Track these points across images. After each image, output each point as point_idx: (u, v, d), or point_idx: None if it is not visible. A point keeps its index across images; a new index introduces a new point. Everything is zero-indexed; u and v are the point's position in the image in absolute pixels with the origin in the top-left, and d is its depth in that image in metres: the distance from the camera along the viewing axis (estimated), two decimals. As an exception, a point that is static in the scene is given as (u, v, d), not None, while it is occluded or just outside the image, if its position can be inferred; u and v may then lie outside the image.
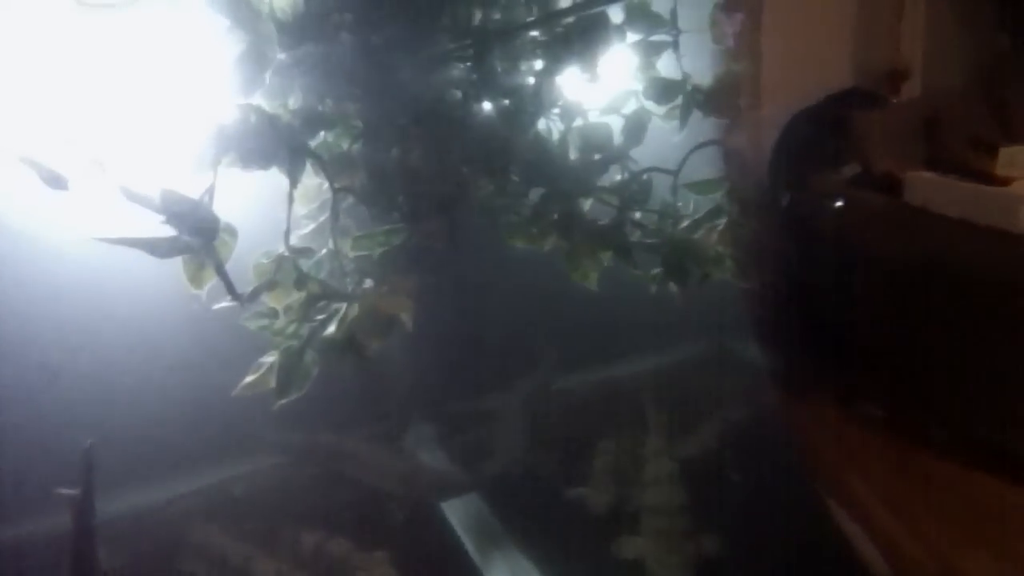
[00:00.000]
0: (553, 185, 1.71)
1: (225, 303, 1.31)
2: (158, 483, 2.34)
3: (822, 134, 1.53)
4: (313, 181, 1.57)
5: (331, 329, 1.39)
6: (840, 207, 1.46)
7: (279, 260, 1.37)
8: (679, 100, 1.75)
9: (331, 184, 1.42)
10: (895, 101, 1.53)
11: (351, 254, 1.48)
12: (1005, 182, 1.20)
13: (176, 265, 1.28)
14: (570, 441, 2.61)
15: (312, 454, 2.47)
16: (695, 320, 2.71)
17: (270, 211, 1.42)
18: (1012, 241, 1.14)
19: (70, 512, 1.37)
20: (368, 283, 1.49)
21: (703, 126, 1.70)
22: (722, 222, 1.72)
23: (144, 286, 1.85)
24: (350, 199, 1.54)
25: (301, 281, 1.36)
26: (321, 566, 2.08)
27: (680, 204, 1.75)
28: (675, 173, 1.70)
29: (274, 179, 1.40)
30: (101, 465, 1.44)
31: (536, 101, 1.65)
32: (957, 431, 1.23)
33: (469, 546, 2.16)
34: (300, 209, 1.58)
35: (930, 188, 1.29)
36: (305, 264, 1.41)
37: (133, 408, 2.09)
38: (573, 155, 1.74)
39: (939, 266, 1.25)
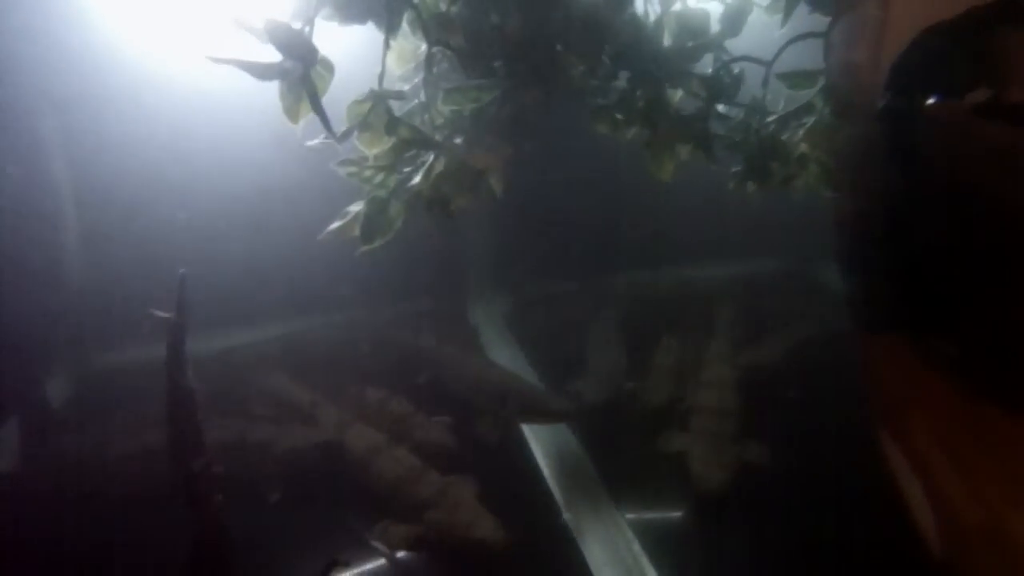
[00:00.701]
0: (642, 70, 1.66)
1: (319, 140, 1.33)
2: (234, 330, 2.47)
3: (956, 52, 1.41)
4: (410, 43, 1.57)
5: (417, 180, 1.40)
6: (958, 136, 1.37)
7: (373, 98, 1.37)
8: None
9: (427, 38, 1.41)
10: None
11: (443, 108, 1.47)
12: None
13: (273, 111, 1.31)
14: (636, 336, 2.63)
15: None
16: (777, 232, 2.66)
17: (368, 70, 1.44)
18: None
19: (165, 333, 1.45)
20: (458, 140, 1.49)
21: (809, 22, 1.61)
22: (811, 120, 1.64)
23: (240, 133, 1.91)
24: (446, 63, 1.54)
25: (392, 125, 1.37)
26: (383, 421, 2.18)
27: (770, 99, 1.68)
28: (768, 64, 1.63)
29: (373, 39, 1.40)
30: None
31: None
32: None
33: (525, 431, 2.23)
34: (395, 69, 1.59)
35: None
36: (398, 111, 1.42)
37: (212, 253, 2.17)
38: (667, 41, 1.68)
39: None
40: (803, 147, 1.67)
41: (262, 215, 2.23)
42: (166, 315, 1.41)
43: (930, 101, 1.42)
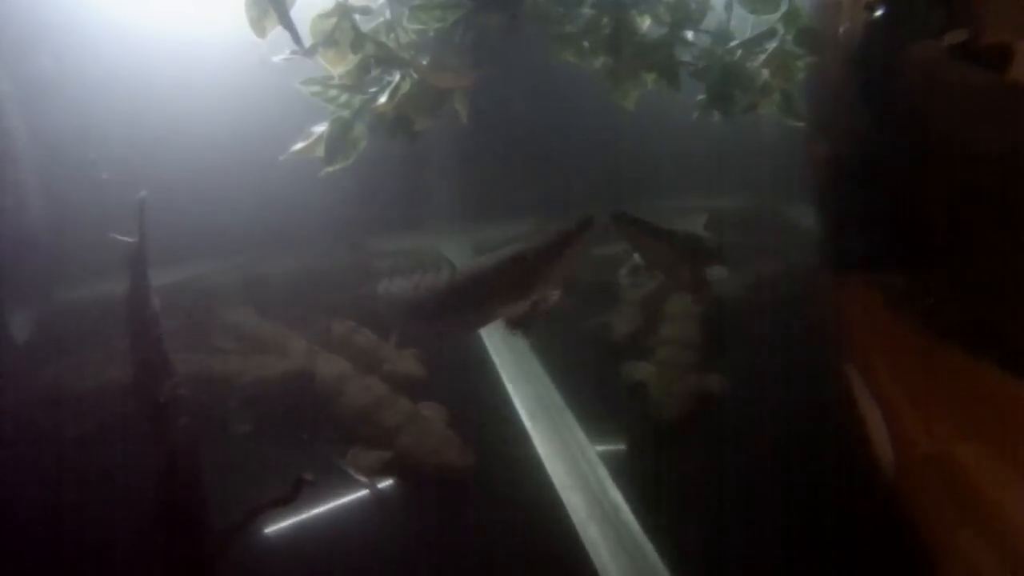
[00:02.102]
0: (606, -2, 1.65)
1: (284, 55, 1.31)
2: (196, 261, 2.43)
3: None
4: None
5: (383, 100, 1.39)
6: (934, 77, 1.35)
7: (338, 12, 1.35)
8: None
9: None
10: None
11: (408, 26, 1.45)
12: None
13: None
14: (601, 272, 2.64)
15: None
16: (744, 168, 2.67)
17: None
18: None
19: (126, 257, 1.43)
20: (423, 61, 1.48)
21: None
22: (772, 46, 1.65)
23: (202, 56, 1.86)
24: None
25: (358, 41, 1.36)
26: (350, 353, 2.18)
27: (738, 25, 1.68)
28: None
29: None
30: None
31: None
32: (991, 331, 1.20)
33: (492, 355, 2.26)
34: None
35: None
36: (363, 27, 1.40)
37: (174, 182, 2.14)
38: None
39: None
40: (765, 74, 1.68)
41: (224, 143, 2.19)
42: (127, 239, 1.39)
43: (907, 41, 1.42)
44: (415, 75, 1.43)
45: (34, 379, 2.05)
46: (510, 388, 2.11)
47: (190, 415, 1.41)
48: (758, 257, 2.71)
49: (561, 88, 2.26)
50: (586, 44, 1.75)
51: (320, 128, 1.43)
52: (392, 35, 1.45)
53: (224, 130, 2.15)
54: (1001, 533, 1.00)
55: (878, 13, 1.46)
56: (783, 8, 1.63)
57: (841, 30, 1.58)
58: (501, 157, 2.62)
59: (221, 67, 1.69)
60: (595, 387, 2.16)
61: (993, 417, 1.12)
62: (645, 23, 1.75)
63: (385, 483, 1.80)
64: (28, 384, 2.05)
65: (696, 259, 1.93)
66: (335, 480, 1.79)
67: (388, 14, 1.44)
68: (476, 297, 1.88)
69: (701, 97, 1.77)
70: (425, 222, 2.75)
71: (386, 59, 1.38)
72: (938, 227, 1.34)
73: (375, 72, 1.41)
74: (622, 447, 1.95)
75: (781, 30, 1.65)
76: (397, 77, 1.42)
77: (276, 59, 1.31)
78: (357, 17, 1.37)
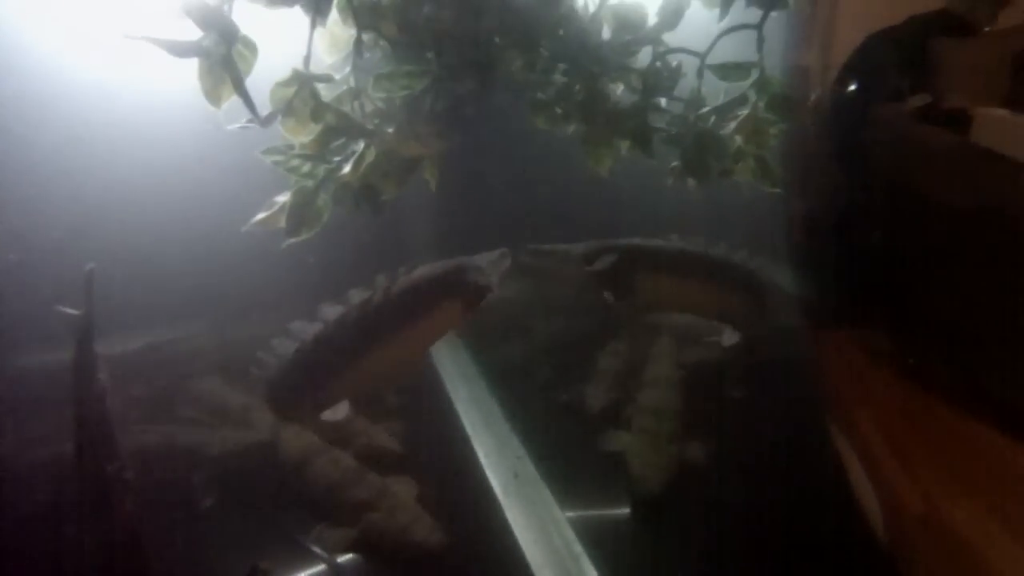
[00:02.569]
0: (580, 64, 1.64)
1: (240, 124, 1.28)
2: (162, 328, 2.38)
3: (898, 58, 1.42)
4: (345, 32, 1.52)
5: (347, 170, 1.36)
6: (900, 138, 1.37)
7: (297, 81, 1.32)
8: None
9: (357, 23, 1.36)
10: (986, 30, 1.41)
11: (373, 94, 1.43)
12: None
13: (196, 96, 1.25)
14: (579, 340, 2.61)
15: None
16: (721, 228, 2.66)
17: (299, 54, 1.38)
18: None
19: (72, 330, 1.39)
20: (389, 129, 1.46)
21: (745, 15, 1.60)
22: (744, 113, 1.64)
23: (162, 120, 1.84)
24: (378, 50, 1.50)
25: (319, 111, 1.33)
26: (324, 424, 2.11)
27: (710, 92, 1.67)
28: (703, 56, 1.62)
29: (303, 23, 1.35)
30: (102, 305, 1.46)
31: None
32: (977, 385, 1.19)
33: (466, 425, 2.20)
34: (326, 58, 1.54)
35: (1000, 127, 1.19)
36: (325, 96, 1.38)
37: (137, 246, 2.10)
38: (605, 34, 1.66)
39: (996, 213, 1.16)
40: (738, 140, 1.67)
41: (190, 208, 2.15)
42: (73, 312, 1.34)
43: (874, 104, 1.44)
44: (380, 144, 1.40)
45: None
46: (483, 460, 2.04)
47: (135, 499, 1.34)
48: (740, 316, 2.68)
49: (535, 151, 2.25)
50: (558, 111, 1.74)
51: (283, 198, 1.39)
52: (356, 103, 1.42)
53: (189, 195, 2.12)
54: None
55: (849, 85, 1.47)
56: (754, 76, 1.62)
57: (812, 96, 1.58)
58: (473, 221, 2.60)
59: (183, 131, 1.65)
60: (571, 458, 2.09)
61: (985, 475, 1.09)
62: (618, 90, 1.74)
63: (352, 562, 1.73)
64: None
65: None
66: (299, 559, 1.72)
67: (352, 82, 1.42)
68: (323, 363, 1.83)
69: (675, 164, 1.75)
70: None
71: (348, 129, 1.35)
72: (914, 283, 1.34)
73: (338, 141, 1.38)
74: (600, 522, 1.88)
75: (753, 97, 1.64)
76: (361, 146, 1.38)
77: (231, 127, 1.28)
78: (319, 85, 1.34)
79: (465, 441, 2.14)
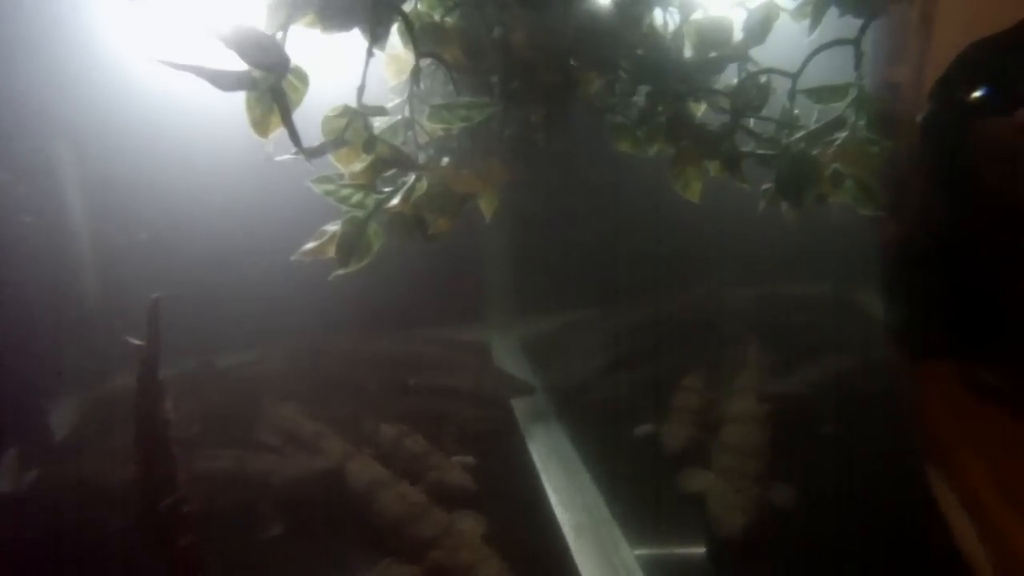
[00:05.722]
0: (663, 84, 1.56)
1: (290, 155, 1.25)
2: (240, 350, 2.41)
3: (1005, 66, 1.30)
4: (409, 55, 1.48)
5: (396, 201, 1.31)
6: (1007, 155, 1.26)
7: (349, 114, 1.28)
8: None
9: (415, 49, 1.32)
10: None
11: (428, 125, 1.38)
12: None
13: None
14: (661, 367, 2.53)
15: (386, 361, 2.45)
16: (815, 254, 2.54)
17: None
18: None
19: (137, 361, 1.39)
20: (445, 161, 1.41)
21: (840, 27, 1.50)
22: (843, 135, 1.53)
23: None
24: (441, 74, 1.45)
25: (371, 143, 1.28)
26: (398, 459, 2.09)
27: (802, 112, 1.56)
28: (794, 76, 1.52)
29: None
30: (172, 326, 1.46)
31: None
32: None
33: (541, 470, 2.13)
34: (391, 80, 1.51)
35: None
36: (379, 127, 1.33)
37: (206, 267, 2.12)
38: (688, 52, 1.58)
39: None
40: (836, 164, 1.55)
41: (258, 230, 2.16)
42: (138, 342, 1.33)
43: (978, 118, 1.33)
44: (432, 177, 1.35)
45: (67, 471, 2.02)
46: (554, 498, 1.97)
47: (195, 531, 1.32)
48: (830, 350, 2.54)
49: (620, 175, 2.18)
50: (640, 134, 1.66)
51: (333, 227, 1.35)
52: (410, 133, 1.38)
53: (257, 217, 2.14)
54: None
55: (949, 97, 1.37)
56: (852, 95, 1.51)
57: (918, 115, 1.48)
58: (554, 249, 2.54)
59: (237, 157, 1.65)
60: (648, 498, 2.00)
61: None
62: (701, 110, 1.66)
63: (416, 601, 1.67)
64: (60, 476, 2.02)
65: None
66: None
67: (407, 111, 1.37)
68: None
69: (767, 187, 1.65)
70: (474, 313, 2.67)
71: (398, 161, 1.30)
72: (1019, 310, 1.24)
73: (389, 172, 1.33)
74: (678, 566, 1.78)
75: (852, 117, 1.53)
76: (412, 178, 1.34)
77: (279, 159, 1.25)
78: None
79: (536, 478, 2.07)
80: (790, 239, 2.26)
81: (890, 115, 1.52)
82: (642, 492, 2.02)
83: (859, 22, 1.47)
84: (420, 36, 1.35)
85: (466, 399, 2.27)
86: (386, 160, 1.28)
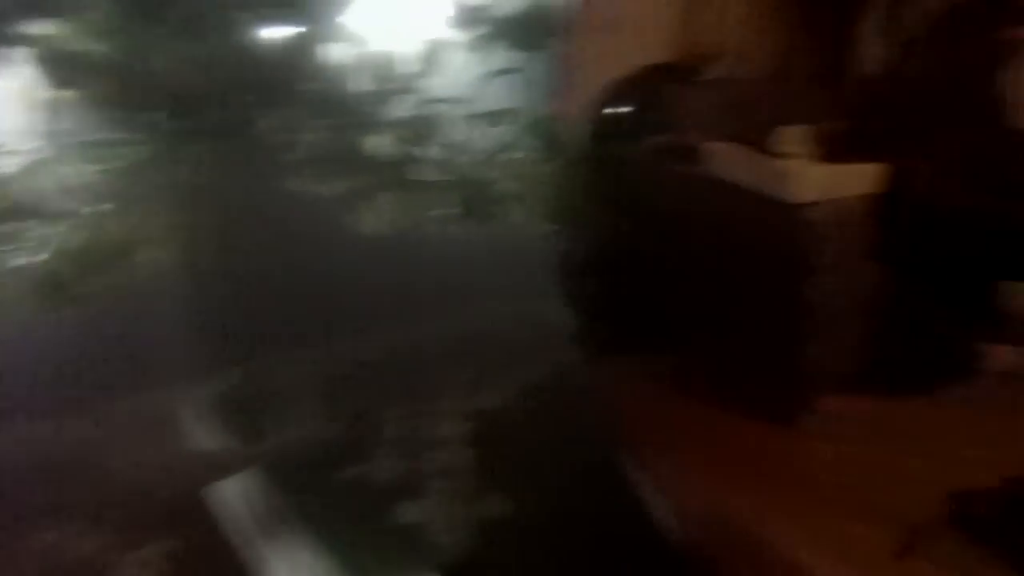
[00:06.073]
0: (336, 117, 1.56)
1: None
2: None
3: (636, 102, 1.52)
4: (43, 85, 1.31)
5: (20, 261, 1.12)
6: (642, 171, 1.45)
7: None
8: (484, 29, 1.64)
9: (51, 81, 1.17)
10: (709, 79, 1.54)
11: (80, 166, 1.22)
12: (784, 157, 1.23)
13: None
14: (360, 410, 2.48)
15: None
16: (500, 274, 2.65)
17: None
18: (782, 209, 1.13)
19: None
20: (106, 206, 1.27)
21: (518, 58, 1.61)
22: (514, 156, 1.64)
23: None
24: (90, 111, 1.30)
25: None
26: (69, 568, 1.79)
27: (480, 136, 1.65)
28: (467, 103, 1.60)
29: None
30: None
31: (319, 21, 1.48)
32: (727, 384, 1.26)
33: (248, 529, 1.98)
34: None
35: (719, 158, 1.28)
36: (9, 168, 1.16)
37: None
38: (358, 86, 1.59)
39: (720, 229, 1.26)
40: (509, 184, 1.66)
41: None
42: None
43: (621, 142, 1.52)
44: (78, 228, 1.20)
45: None
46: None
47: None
48: (522, 365, 2.68)
49: (293, 214, 2.12)
50: (315, 170, 1.64)
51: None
52: (51, 178, 1.22)
53: None
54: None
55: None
56: (522, 120, 1.63)
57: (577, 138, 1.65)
58: (246, 295, 2.40)
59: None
60: (365, 536, 1.95)
61: (763, 465, 1.13)
62: (376, 142, 1.68)
63: None
64: None
65: None
66: None
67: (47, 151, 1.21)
68: None
69: (446, 211, 1.70)
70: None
71: (25, 212, 1.13)
72: (664, 303, 1.42)
73: (18, 223, 1.15)
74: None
75: (523, 140, 1.64)
76: (52, 229, 1.17)
77: None
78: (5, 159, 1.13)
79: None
80: (475, 261, 2.36)
81: (562, 138, 1.67)
82: (361, 533, 1.97)
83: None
84: (58, 66, 1.20)
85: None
86: (11, 209, 1.09)
